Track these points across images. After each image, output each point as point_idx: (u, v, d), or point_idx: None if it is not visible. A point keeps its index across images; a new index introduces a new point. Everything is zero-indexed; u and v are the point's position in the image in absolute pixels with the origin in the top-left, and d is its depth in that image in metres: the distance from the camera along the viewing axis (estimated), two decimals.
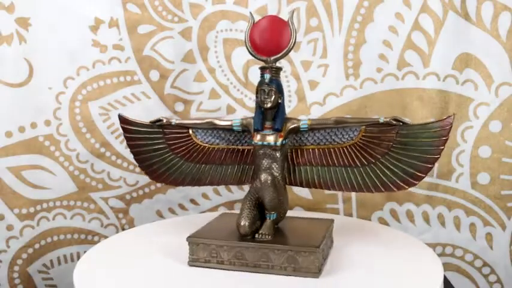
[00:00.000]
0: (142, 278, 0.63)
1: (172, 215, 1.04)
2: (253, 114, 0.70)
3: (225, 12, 0.98)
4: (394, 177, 0.68)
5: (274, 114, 0.69)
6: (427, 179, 0.95)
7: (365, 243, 0.75)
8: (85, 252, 0.74)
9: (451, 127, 0.66)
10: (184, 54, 0.99)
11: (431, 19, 0.92)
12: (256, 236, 0.65)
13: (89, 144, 0.98)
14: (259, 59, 0.69)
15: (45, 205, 0.99)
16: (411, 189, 0.95)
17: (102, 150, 0.99)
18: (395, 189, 0.69)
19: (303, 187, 0.74)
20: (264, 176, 0.65)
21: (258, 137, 0.68)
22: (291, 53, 0.97)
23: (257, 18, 0.71)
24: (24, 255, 0.97)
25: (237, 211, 0.69)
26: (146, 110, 0.99)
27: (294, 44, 0.68)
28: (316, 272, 0.61)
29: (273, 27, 0.69)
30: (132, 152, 0.77)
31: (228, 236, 0.66)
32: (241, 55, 0.98)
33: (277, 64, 0.69)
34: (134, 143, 0.77)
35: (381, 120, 0.67)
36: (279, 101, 0.68)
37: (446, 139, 0.66)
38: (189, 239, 0.65)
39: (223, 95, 1.01)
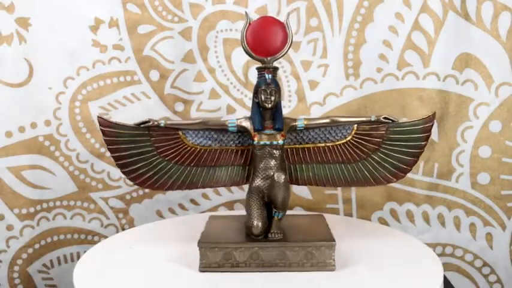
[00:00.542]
0: (143, 278, 0.63)
1: (172, 215, 1.04)
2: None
3: (225, 12, 0.98)
4: (384, 171, 0.73)
5: (273, 114, 0.69)
6: (427, 179, 0.95)
7: (365, 243, 0.74)
8: (85, 252, 0.74)
9: (433, 124, 0.71)
10: (184, 54, 0.99)
11: (431, 19, 0.92)
12: (269, 235, 0.65)
13: (89, 144, 0.98)
14: (256, 60, 0.70)
15: (45, 205, 0.99)
16: (411, 189, 0.96)
17: (102, 150, 0.99)
18: (385, 183, 0.74)
19: (299, 185, 0.75)
20: (277, 175, 0.64)
21: (260, 137, 0.69)
22: (291, 53, 0.98)
23: (255, 18, 0.71)
24: (24, 255, 0.98)
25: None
26: (146, 110, 0.99)
27: (290, 45, 0.70)
28: (333, 265, 0.64)
29: (270, 28, 0.70)
30: (113, 156, 0.71)
31: (242, 238, 0.65)
32: (241, 55, 0.97)
33: (274, 64, 0.71)
34: (116, 147, 0.71)
35: (372, 119, 0.72)
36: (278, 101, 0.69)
37: (429, 135, 0.71)
38: (201, 244, 0.63)
39: (223, 95, 1.01)
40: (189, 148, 0.73)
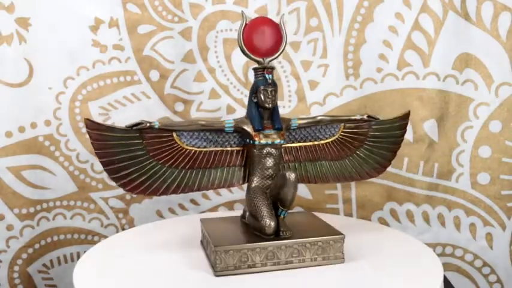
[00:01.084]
0: (143, 278, 0.63)
1: (172, 215, 1.04)
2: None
3: (225, 12, 0.98)
4: (368, 166, 0.79)
5: (271, 114, 0.70)
6: (427, 179, 0.95)
7: (365, 243, 0.75)
8: (85, 252, 0.74)
9: (408, 121, 0.79)
10: (184, 54, 0.99)
11: (431, 19, 0.92)
12: (281, 233, 0.65)
13: (89, 144, 0.97)
14: (253, 60, 0.70)
15: (45, 205, 0.99)
16: (411, 189, 0.96)
17: None
18: (368, 177, 0.80)
19: None
20: (288, 173, 0.64)
21: (261, 136, 0.69)
22: (291, 53, 0.98)
23: (250, 18, 0.71)
24: (24, 255, 0.97)
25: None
26: (146, 110, 0.99)
27: (285, 46, 0.71)
28: (342, 258, 0.67)
29: (267, 29, 0.70)
30: (102, 162, 0.67)
31: (255, 238, 0.65)
32: (241, 55, 0.96)
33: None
34: (106, 151, 0.67)
35: (357, 117, 0.77)
36: None
37: (405, 131, 0.79)
38: (218, 248, 0.62)
39: (223, 95, 1.01)
40: (183, 150, 0.71)
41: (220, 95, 1.01)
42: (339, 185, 1.00)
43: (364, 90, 0.97)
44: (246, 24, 0.70)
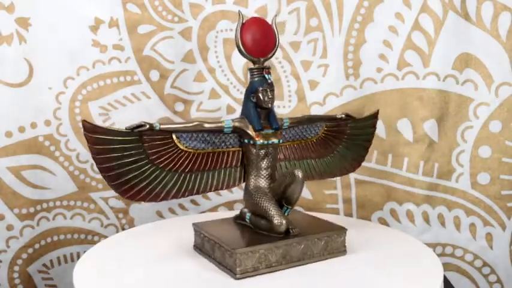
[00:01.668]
0: (143, 278, 0.63)
1: (172, 215, 1.04)
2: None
3: (225, 12, 0.98)
4: (346, 162, 0.83)
5: (267, 114, 0.70)
6: (427, 179, 0.95)
7: (365, 244, 0.75)
8: (85, 252, 0.74)
9: (377, 120, 0.84)
10: (184, 54, 0.99)
11: (431, 19, 0.92)
12: (291, 231, 0.66)
13: None
14: (250, 60, 0.70)
15: (45, 205, 0.99)
16: (411, 189, 0.96)
17: None
18: (347, 173, 0.85)
19: None
20: (296, 172, 0.66)
21: (261, 137, 0.69)
22: (291, 53, 0.98)
23: (248, 18, 0.71)
24: (24, 255, 0.97)
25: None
26: (146, 110, 0.99)
27: (278, 46, 0.72)
28: (345, 250, 0.70)
29: (263, 29, 0.71)
30: (101, 168, 0.63)
31: (269, 238, 0.65)
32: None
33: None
34: (105, 156, 0.62)
35: (338, 116, 0.80)
36: None
37: (375, 129, 0.84)
38: (238, 250, 0.61)
39: (223, 95, 1.01)
40: (183, 153, 0.68)
41: (220, 95, 1.01)
42: (339, 185, 1.00)
43: (364, 90, 0.97)
44: (242, 24, 0.70)
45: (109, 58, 0.97)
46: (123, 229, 1.02)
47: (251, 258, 0.62)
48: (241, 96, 1.00)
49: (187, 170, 0.69)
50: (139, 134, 0.64)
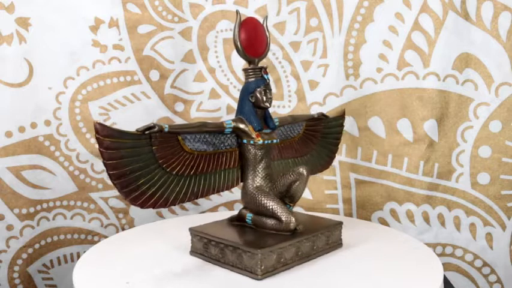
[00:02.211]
0: (143, 278, 0.63)
1: (172, 215, 1.04)
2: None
3: (225, 12, 0.98)
4: (321, 160, 0.86)
5: (263, 114, 0.71)
6: (427, 179, 0.95)
7: (365, 244, 0.75)
8: (85, 252, 0.74)
9: (345, 118, 0.89)
10: (184, 54, 0.99)
11: (431, 19, 0.92)
12: (297, 229, 0.67)
13: (89, 144, 0.98)
14: (247, 60, 0.70)
15: (45, 205, 0.99)
16: (411, 189, 0.96)
17: None
18: (322, 170, 0.88)
19: None
20: (302, 169, 0.68)
21: (261, 136, 0.69)
22: (291, 53, 0.98)
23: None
24: (24, 255, 0.97)
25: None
26: (146, 110, 0.99)
27: (269, 46, 0.74)
28: (341, 243, 0.73)
29: (258, 29, 0.72)
30: (112, 174, 0.59)
31: (282, 236, 0.66)
32: None
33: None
34: (117, 161, 0.59)
35: (316, 115, 0.83)
36: None
37: (343, 127, 0.88)
38: (262, 250, 0.61)
39: (223, 95, 1.01)
40: (187, 155, 0.67)
41: (220, 95, 1.01)
42: (339, 185, 1.00)
43: (364, 90, 0.97)
44: (241, 24, 0.70)
45: (109, 58, 0.97)
46: (123, 229, 1.02)
47: (271, 258, 0.62)
48: None
49: (192, 173, 0.67)
50: (149, 136, 0.62)
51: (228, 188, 0.72)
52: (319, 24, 0.96)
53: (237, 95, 1.00)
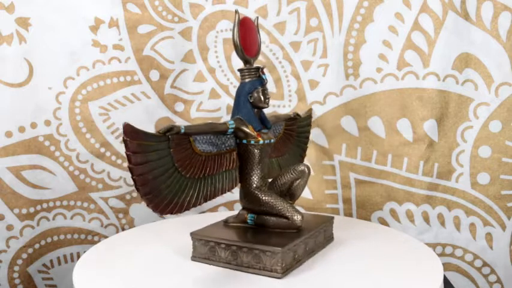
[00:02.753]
0: (143, 278, 0.63)
1: (172, 215, 1.04)
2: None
3: (225, 12, 0.98)
4: (295, 159, 0.88)
5: (259, 114, 0.71)
6: (427, 179, 0.95)
7: (365, 243, 0.75)
8: (85, 252, 0.74)
9: (311, 118, 0.91)
10: (184, 54, 0.99)
11: (431, 19, 0.92)
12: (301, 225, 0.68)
13: (89, 144, 0.98)
14: (244, 59, 0.70)
15: (45, 205, 0.99)
16: (411, 189, 0.96)
17: (102, 150, 0.99)
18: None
19: None
20: (304, 167, 0.70)
21: (262, 136, 0.69)
22: (291, 53, 0.98)
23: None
24: (24, 255, 0.97)
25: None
26: (146, 110, 0.99)
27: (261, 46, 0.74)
28: (333, 237, 0.77)
29: (253, 29, 0.72)
30: (137, 179, 0.56)
31: (291, 234, 0.66)
32: None
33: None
34: (143, 165, 0.56)
35: (292, 115, 0.84)
36: None
37: (310, 127, 0.91)
38: (283, 248, 0.61)
39: (223, 95, 1.01)
40: (197, 157, 0.65)
41: (220, 95, 1.01)
42: (339, 184, 1.00)
43: (364, 90, 0.97)
44: (240, 23, 0.70)
45: (109, 58, 0.97)
46: (123, 229, 1.02)
47: (289, 255, 0.63)
48: None
49: (201, 175, 0.66)
50: (167, 138, 0.60)
51: (230, 190, 0.72)
52: (319, 24, 0.96)
53: None
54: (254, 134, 0.69)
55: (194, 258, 0.68)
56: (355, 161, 0.99)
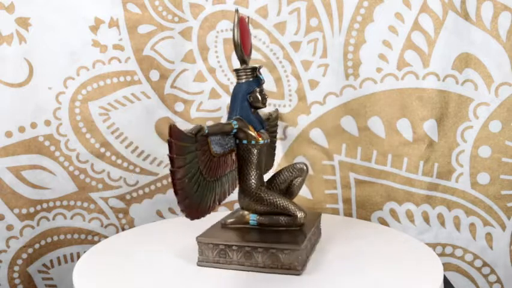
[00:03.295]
0: (143, 278, 0.63)
1: (172, 215, 1.04)
2: None
3: (225, 12, 0.98)
4: (272, 157, 0.91)
5: (255, 114, 0.72)
6: (426, 179, 0.95)
7: (365, 244, 0.75)
8: (85, 252, 0.74)
9: (278, 118, 0.95)
10: (184, 54, 0.99)
11: (431, 19, 0.92)
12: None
13: (89, 144, 0.98)
14: (242, 59, 0.71)
15: (45, 205, 0.99)
16: (411, 189, 0.96)
17: (102, 150, 0.99)
18: (269, 169, 0.91)
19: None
20: (303, 165, 0.72)
21: (262, 136, 0.70)
22: (291, 53, 0.98)
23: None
24: (24, 255, 0.98)
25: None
26: (146, 110, 0.99)
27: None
28: (321, 233, 0.79)
29: (247, 29, 0.73)
30: (179, 183, 0.54)
31: (299, 232, 0.68)
32: None
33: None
34: (183, 168, 0.55)
35: (273, 114, 0.89)
36: None
37: (277, 127, 0.94)
38: (300, 245, 0.62)
39: (224, 95, 1.01)
40: (211, 158, 0.64)
41: (220, 95, 1.01)
42: (338, 184, 1.00)
43: (364, 90, 0.97)
44: (239, 23, 0.70)
45: (109, 58, 0.97)
46: (123, 229, 1.02)
47: (304, 252, 0.64)
48: None
49: (214, 178, 0.65)
50: (195, 140, 0.59)
51: (232, 191, 0.73)
52: (319, 24, 0.96)
53: None
54: (255, 134, 0.69)
55: (201, 263, 0.67)
56: (355, 161, 0.99)
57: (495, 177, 0.93)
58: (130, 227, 1.02)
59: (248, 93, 0.69)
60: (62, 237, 1.01)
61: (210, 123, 1.00)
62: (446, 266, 0.97)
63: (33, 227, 0.98)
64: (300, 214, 0.67)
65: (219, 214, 0.78)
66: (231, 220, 0.72)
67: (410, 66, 0.94)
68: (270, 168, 0.92)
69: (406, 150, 0.96)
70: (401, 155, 0.96)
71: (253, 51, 0.97)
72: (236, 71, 0.71)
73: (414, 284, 0.61)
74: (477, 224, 0.96)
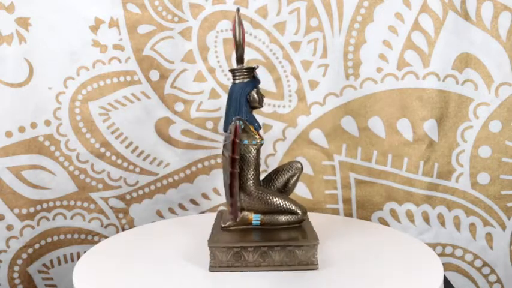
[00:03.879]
0: (143, 278, 0.63)
1: (172, 215, 1.04)
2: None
3: (225, 12, 0.98)
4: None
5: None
6: (427, 179, 0.95)
7: (365, 244, 0.75)
8: (85, 252, 0.74)
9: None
10: (184, 54, 0.99)
11: (431, 19, 0.92)
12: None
13: (89, 144, 0.98)
14: (241, 58, 0.71)
15: (45, 205, 0.99)
16: (411, 189, 0.96)
17: (102, 150, 0.99)
18: None
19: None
20: (297, 163, 0.73)
21: (260, 136, 0.70)
22: (291, 53, 0.98)
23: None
24: (24, 255, 0.98)
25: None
26: (146, 110, 0.99)
27: None
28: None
29: (243, 28, 0.72)
30: (236, 185, 0.62)
31: (302, 228, 0.69)
32: None
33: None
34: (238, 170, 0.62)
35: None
36: None
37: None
38: (317, 240, 0.64)
39: (224, 95, 1.01)
40: (224, 158, 0.68)
41: (220, 94, 1.01)
42: (338, 185, 1.00)
43: (364, 90, 0.97)
44: (239, 22, 0.70)
45: (109, 58, 0.97)
46: (123, 229, 1.02)
47: (317, 247, 0.65)
48: None
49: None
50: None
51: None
52: (319, 24, 0.96)
53: None
54: (255, 134, 0.69)
55: (213, 268, 0.65)
56: (355, 161, 0.99)
57: (495, 177, 0.93)
58: (130, 227, 1.02)
59: (248, 93, 0.70)
60: (62, 237, 1.01)
61: (210, 123, 1.00)
62: (447, 266, 0.97)
63: (33, 227, 0.98)
64: (300, 211, 0.69)
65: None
66: (232, 222, 0.71)
67: (411, 66, 0.94)
68: None
69: (406, 150, 0.96)
70: (402, 155, 0.96)
71: (253, 51, 0.97)
72: (232, 71, 0.71)
73: (414, 284, 0.61)
74: (477, 224, 0.96)
